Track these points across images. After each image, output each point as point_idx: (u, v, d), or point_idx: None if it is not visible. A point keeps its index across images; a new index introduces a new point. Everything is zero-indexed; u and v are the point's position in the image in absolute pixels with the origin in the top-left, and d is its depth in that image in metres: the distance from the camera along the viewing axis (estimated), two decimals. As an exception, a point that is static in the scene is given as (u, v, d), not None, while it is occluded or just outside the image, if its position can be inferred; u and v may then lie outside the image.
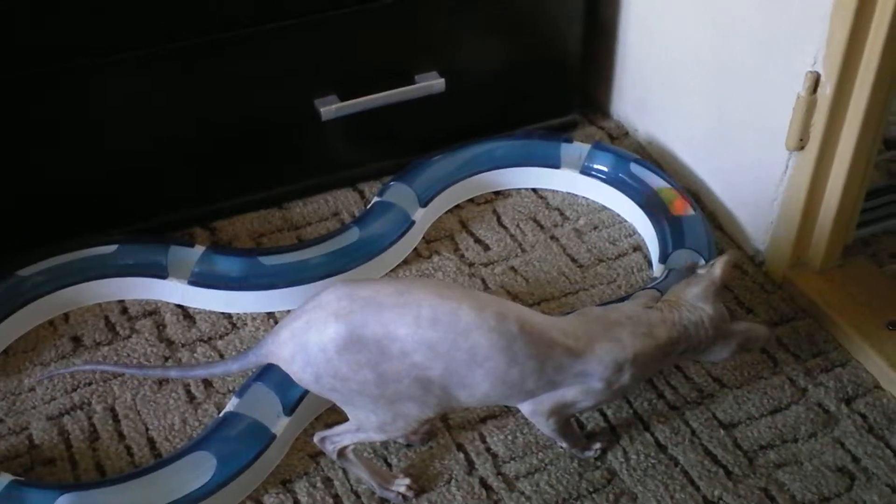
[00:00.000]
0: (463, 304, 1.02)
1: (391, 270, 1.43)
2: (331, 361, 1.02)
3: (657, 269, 1.40)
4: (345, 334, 1.01)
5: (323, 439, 1.13)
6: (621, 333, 1.08)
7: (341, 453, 1.13)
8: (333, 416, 1.24)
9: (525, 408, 1.10)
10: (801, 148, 1.31)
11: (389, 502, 1.15)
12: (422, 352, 1.01)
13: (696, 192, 1.54)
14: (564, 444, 1.19)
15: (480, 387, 1.04)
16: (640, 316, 1.10)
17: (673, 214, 1.44)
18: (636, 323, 1.09)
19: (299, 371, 1.04)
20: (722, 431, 1.22)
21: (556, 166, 1.56)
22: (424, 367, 1.02)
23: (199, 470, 1.13)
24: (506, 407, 1.25)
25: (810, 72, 1.26)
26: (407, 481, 1.16)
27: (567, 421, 1.14)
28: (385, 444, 1.21)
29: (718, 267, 1.14)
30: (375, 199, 1.49)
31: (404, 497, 1.15)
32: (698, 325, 1.11)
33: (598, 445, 1.19)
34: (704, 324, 1.11)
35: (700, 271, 1.16)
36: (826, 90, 1.25)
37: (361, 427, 1.09)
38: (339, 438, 1.12)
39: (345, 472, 1.18)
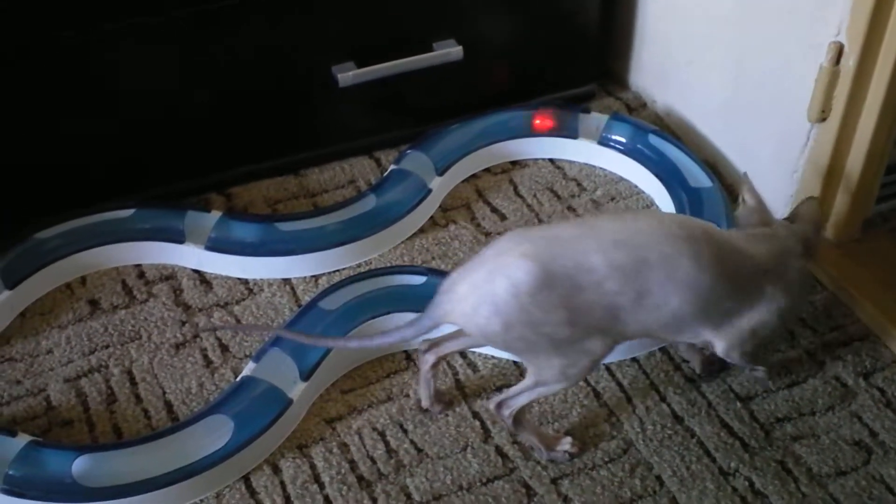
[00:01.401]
0: (640, 221, 1.05)
1: (407, 238, 1.43)
2: (523, 306, 1.00)
3: (675, 241, 1.39)
4: (537, 273, 1.00)
5: (500, 404, 1.11)
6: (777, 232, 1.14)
7: (517, 418, 1.12)
8: (348, 382, 1.24)
9: (720, 344, 1.11)
10: (823, 120, 1.30)
11: (556, 463, 1.16)
12: (614, 277, 1.01)
13: (714, 164, 1.53)
14: (760, 372, 1.20)
15: (671, 301, 1.04)
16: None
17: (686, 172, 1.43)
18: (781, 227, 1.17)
19: (485, 323, 1.02)
20: (738, 404, 1.22)
21: (574, 137, 1.55)
22: (616, 292, 1.02)
23: (217, 433, 1.13)
24: (521, 376, 1.24)
25: (833, 42, 1.25)
26: (569, 439, 1.16)
27: (761, 346, 1.15)
28: (401, 412, 1.21)
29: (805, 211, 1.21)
30: (392, 166, 1.49)
31: (571, 455, 1.15)
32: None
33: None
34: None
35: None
36: (849, 62, 1.24)
37: (540, 379, 1.08)
38: (515, 400, 1.11)
39: (361, 437, 1.18)
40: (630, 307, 1.03)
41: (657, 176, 1.48)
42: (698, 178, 1.45)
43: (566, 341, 1.04)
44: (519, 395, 1.11)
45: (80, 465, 1.09)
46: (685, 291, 1.04)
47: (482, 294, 1.01)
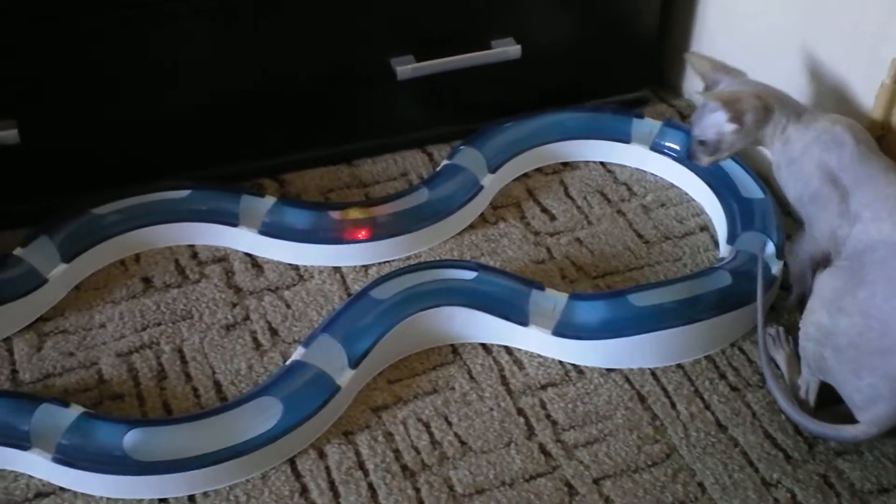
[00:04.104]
0: None
1: (457, 234, 1.44)
2: None
3: (724, 250, 1.39)
4: None
5: None
6: None
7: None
8: (395, 372, 1.25)
9: None
10: (882, 137, 1.30)
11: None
12: None
13: (766, 176, 1.52)
14: None
15: None
16: None
17: (744, 196, 1.43)
18: None
19: None
20: (783, 416, 1.22)
21: (627, 141, 1.56)
22: None
23: (266, 414, 1.14)
24: (567, 376, 1.25)
25: (897, 60, 1.25)
26: None
27: None
28: (446, 404, 1.22)
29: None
30: (445, 161, 1.50)
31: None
32: None
33: None
34: None
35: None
36: (912, 79, 1.24)
37: None
38: None
39: (406, 427, 1.19)
40: None
41: (709, 185, 1.48)
42: (750, 188, 1.45)
43: None
44: None
45: (131, 439, 1.11)
46: None
47: None
